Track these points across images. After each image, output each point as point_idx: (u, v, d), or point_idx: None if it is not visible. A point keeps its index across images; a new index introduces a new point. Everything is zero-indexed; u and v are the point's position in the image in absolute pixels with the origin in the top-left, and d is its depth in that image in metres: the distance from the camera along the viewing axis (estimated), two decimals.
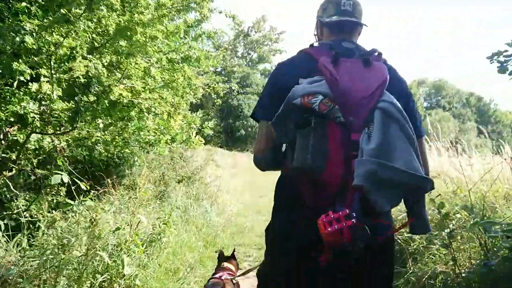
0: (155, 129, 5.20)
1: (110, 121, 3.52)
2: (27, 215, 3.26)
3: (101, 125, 3.12)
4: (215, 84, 6.01)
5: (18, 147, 2.97)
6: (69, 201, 3.11)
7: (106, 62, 2.96)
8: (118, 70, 3.41)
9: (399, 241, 3.08)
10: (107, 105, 2.96)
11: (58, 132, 2.87)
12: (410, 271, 2.79)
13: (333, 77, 1.26)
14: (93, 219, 2.99)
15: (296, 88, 1.30)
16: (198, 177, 7.40)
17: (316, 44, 1.57)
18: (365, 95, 1.25)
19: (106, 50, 3.18)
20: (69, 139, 2.98)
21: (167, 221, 3.93)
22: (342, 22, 1.49)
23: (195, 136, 6.13)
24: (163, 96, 3.74)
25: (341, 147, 1.22)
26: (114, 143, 5.06)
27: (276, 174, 1.56)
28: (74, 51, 2.57)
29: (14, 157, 2.94)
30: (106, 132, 3.25)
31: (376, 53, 1.44)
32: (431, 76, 73.73)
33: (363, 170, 1.13)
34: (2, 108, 2.65)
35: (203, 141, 6.24)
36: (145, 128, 4.86)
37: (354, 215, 1.15)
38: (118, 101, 3.03)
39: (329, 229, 1.12)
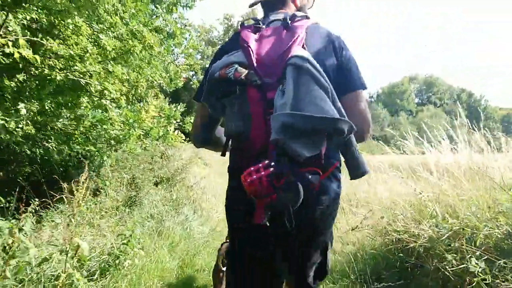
0: (122, 122, 4.29)
1: (48, 106, 2.58)
2: None
3: (24, 111, 2.18)
4: (193, 62, 5.04)
5: None
6: None
7: (26, 20, 2.02)
8: (55, 37, 2.46)
9: (448, 273, 2.20)
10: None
11: None
12: None
13: (247, 45, 1.33)
14: (7, 245, 2.07)
15: (217, 63, 1.36)
16: (180, 178, 6.49)
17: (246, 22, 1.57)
18: (277, 55, 1.29)
19: (34, 8, 2.25)
20: None
21: (128, 240, 3.01)
22: (264, 3, 1.60)
23: (173, 132, 5.22)
24: (111, 70, 2.77)
25: (261, 108, 1.27)
26: (73, 139, 4.15)
27: None
28: None
29: None
30: (28, 122, 2.29)
31: (302, 18, 1.43)
32: (422, 72, 73.18)
33: (277, 124, 1.15)
34: None
35: (183, 137, 5.32)
36: (108, 120, 3.94)
37: (273, 164, 1.17)
38: (49, 77, 2.10)
39: (248, 180, 1.16)
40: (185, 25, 4.79)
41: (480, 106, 69.10)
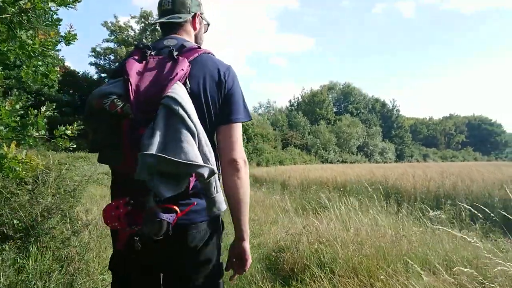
0: None
1: None
2: None
3: None
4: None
5: None
6: None
7: None
8: None
9: None
10: None
11: None
12: None
13: (127, 77, 1.33)
14: None
15: (96, 89, 1.38)
16: (47, 226, 3.97)
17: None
18: (154, 91, 1.30)
19: None
20: None
21: None
22: (162, 25, 1.68)
23: (22, 153, 2.83)
24: None
25: (132, 142, 1.28)
26: None
27: None
28: None
29: None
30: None
31: (193, 47, 1.50)
32: (341, 81, 75.43)
33: (142, 163, 1.18)
34: None
35: (38, 162, 2.93)
36: None
37: (132, 202, 1.28)
38: None
39: (108, 215, 1.27)
40: None
41: (393, 116, 73.18)
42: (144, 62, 1.39)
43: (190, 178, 1.29)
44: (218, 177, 1.41)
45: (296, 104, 68.56)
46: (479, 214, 4.55)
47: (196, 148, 1.23)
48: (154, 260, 1.44)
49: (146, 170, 1.17)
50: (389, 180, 8.72)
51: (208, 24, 1.81)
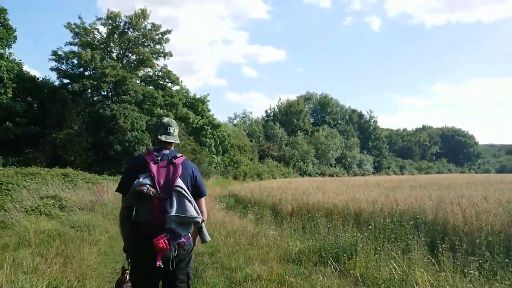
0: None
1: None
2: None
3: None
4: None
5: None
6: None
7: None
8: None
9: None
10: None
11: None
12: None
13: (153, 174, 2.68)
14: None
15: (137, 181, 2.63)
16: None
17: (150, 149, 3.24)
18: (168, 182, 2.68)
19: None
20: None
21: None
22: (165, 141, 2.98)
23: None
24: None
25: (158, 209, 2.61)
26: None
27: None
28: None
29: None
30: None
31: (179, 156, 2.89)
32: (318, 92, 74.12)
33: (170, 220, 2.53)
34: None
35: None
36: None
37: (168, 236, 2.54)
38: None
39: (159, 241, 2.49)
40: None
41: (370, 127, 72.41)
42: (156, 165, 2.74)
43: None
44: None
45: (272, 115, 66.53)
46: None
47: (193, 208, 2.68)
48: (171, 266, 2.66)
49: (172, 223, 2.55)
50: (427, 212, 6.48)
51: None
